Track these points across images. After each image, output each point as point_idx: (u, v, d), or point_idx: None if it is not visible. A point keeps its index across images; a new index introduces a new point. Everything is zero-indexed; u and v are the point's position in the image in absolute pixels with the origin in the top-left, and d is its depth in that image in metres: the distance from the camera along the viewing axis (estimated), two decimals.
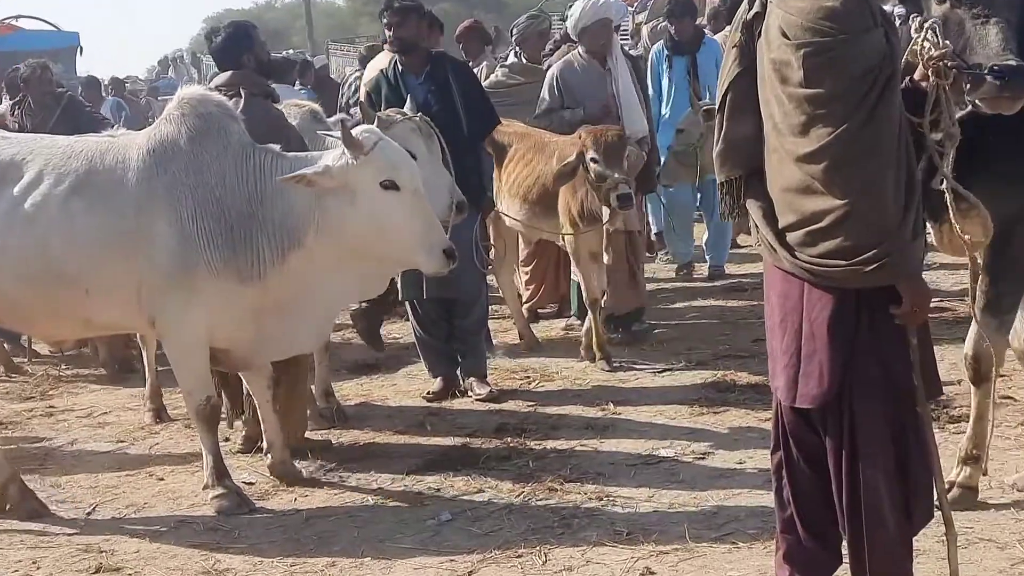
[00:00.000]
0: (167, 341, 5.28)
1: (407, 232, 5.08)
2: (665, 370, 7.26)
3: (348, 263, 5.20)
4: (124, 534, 5.12)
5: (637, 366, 7.38)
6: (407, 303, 7.11)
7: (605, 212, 7.04)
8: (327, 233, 5.10)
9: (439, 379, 7.09)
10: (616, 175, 6.80)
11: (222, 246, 5.09)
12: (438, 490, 5.43)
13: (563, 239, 7.46)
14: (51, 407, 7.47)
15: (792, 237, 3.51)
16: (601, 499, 5.16)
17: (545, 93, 7.83)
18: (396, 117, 6.32)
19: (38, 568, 4.80)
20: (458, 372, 7.10)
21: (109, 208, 5.12)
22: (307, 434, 6.19)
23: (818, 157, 3.39)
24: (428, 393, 7.02)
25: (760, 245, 3.62)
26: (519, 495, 5.27)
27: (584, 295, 7.54)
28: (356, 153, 5.05)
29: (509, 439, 6.06)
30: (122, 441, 6.57)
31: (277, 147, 5.30)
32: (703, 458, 5.61)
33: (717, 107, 3.72)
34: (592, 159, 6.90)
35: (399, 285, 6.97)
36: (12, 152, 5.25)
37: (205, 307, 5.14)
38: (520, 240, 8.32)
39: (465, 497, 5.32)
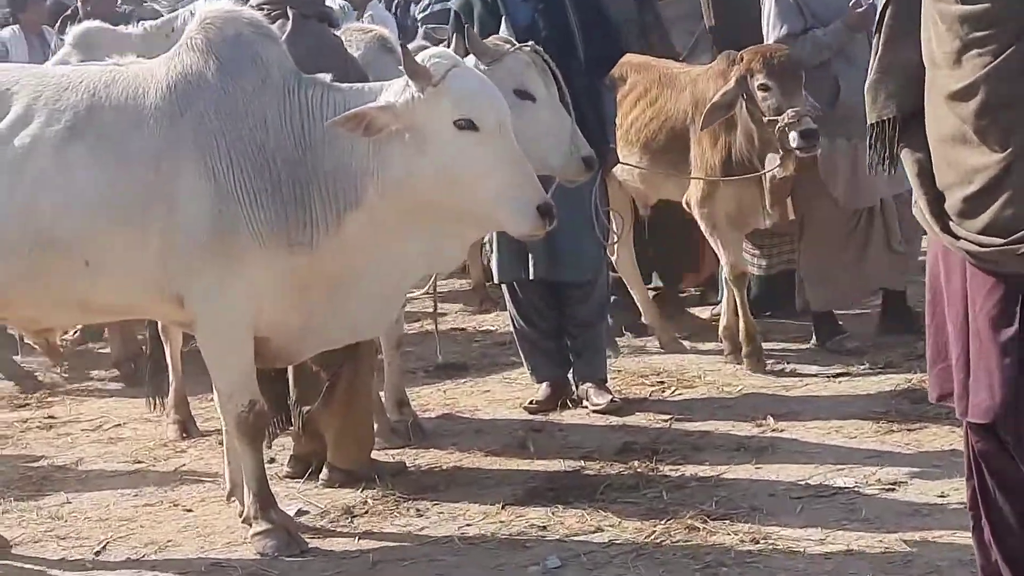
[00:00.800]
0: (202, 328, 5.31)
1: (490, 183, 5.04)
2: (841, 374, 7.22)
3: (417, 225, 5.20)
4: None
5: (804, 370, 7.31)
6: (504, 287, 7.11)
7: (771, 160, 6.99)
8: (391, 188, 5.11)
9: (544, 385, 7.09)
10: (796, 106, 6.75)
11: (268, 204, 5.12)
12: (543, 528, 5.42)
13: (687, 201, 7.47)
14: (50, 417, 7.61)
15: (950, 202, 3.44)
16: (757, 541, 5.11)
17: (774, 14, 7.66)
18: (505, 47, 6.33)
19: None
20: (570, 376, 7.09)
21: (119, 156, 5.14)
22: (374, 454, 6.22)
23: (970, 95, 3.31)
24: (531, 403, 7.03)
25: (917, 210, 3.56)
26: (649, 535, 5.24)
27: (725, 270, 7.52)
28: (423, 84, 5.03)
29: (636, 463, 6.04)
30: (140, 461, 6.66)
31: (327, 77, 5.31)
32: (892, 489, 5.54)
33: (875, 26, 3.65)
34: (762, 85, 6.90)
35: (493, 265, 6.97)
36: None
37: (249, 283, 5.18)
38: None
39: (579, 538, 5.31)
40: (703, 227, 7.53)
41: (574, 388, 7.08)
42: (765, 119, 6.91)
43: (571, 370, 7.12)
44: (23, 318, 5.51)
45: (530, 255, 6.79)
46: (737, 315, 7.51)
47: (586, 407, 6.94)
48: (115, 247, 5.18)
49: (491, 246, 7.02)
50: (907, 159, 3.62)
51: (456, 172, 5.04)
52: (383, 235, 5.21)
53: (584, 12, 6.83)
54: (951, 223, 3.47)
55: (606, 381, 7.07)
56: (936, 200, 3.50)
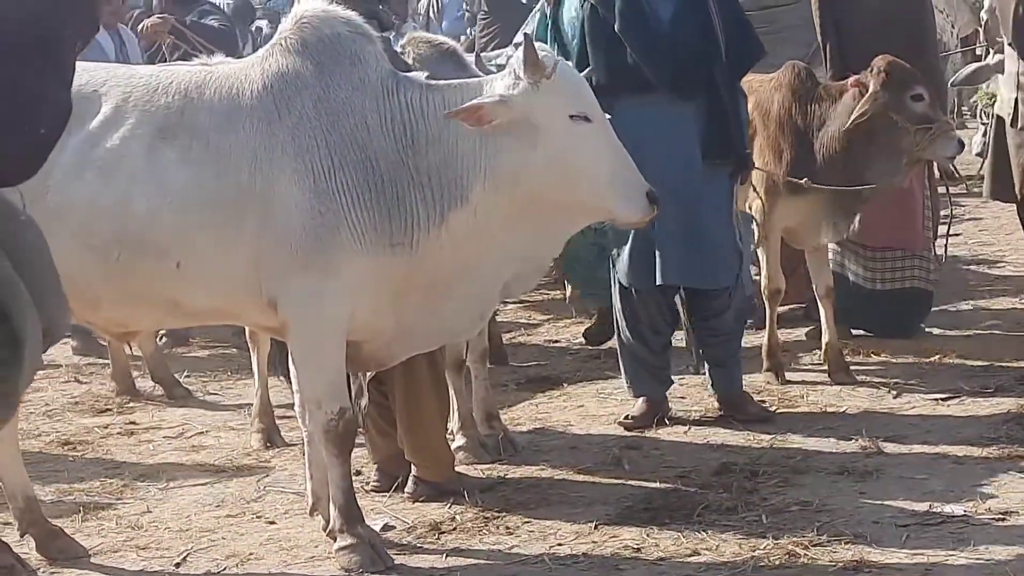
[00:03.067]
0: (295, 333, 5.34)
1: (601, 173, 5.20)
2: (951, 397, 7.15)
3: (519, 221, 5.28)
4: None
5: (913, 390, 7.25)
6: (618, 296, 7.05)
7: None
8: (500, 184, 5.19)
9: (641, 400, 7.08)
10: (944, 115, 7.10)
11: (370, 205, 5.18)
12: (638, 550, 5.40)
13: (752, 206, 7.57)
14: (131, 423, 7.69)
15: None
16: (859, 569, 5.07)
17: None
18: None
19: None
20: (668, 392, 7.10)
21: (213, 157, 5.21)
22: (464, 468, 6.23)
23: None
24: (626, 418, 7.01)
25: None
26: (747, 560, 5.20)
27: (764, 284, 7.67)
28: (538, 77, 5.12)
29: (735, 484, 6.00)
30: (222, 471, 6.70)
31: (423, 75, 5.36)
32: (1004, 518, 5.47)
33: None
34: (916, 96, 7.05)
35: (620, 269, 6.89)
36: (79, 83, 5.33)
37: (345, 286, 5.22)
38: None
39: (675, 560, 5.28)
40: (761, 237, 7.57)
41: (713, 398, 7.13)
42: (912, 128, 6.97)
43: (711, 385, 7.13)
44: (111, 320, 5.56)
45: (659, 260, 6.79)
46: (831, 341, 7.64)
47: (683, 425, 6.92)
48: (208, 249, 5.24)
49: (616, 252, 6.97)
50: None
51: (569, 163, 5.17)
52: (485, 233, 5.27)
53: (725, 9, 6.88)
54: None
55: (744, 390, 7.12)
56: None
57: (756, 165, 7.32)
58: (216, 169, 5.22)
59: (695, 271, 6.85)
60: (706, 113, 6.79)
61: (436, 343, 5.73)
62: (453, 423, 6.68)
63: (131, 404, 8.10)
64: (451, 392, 6.63)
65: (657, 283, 6.85)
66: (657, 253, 6.79)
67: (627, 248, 6.89)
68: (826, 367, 7.68)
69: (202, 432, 7.42)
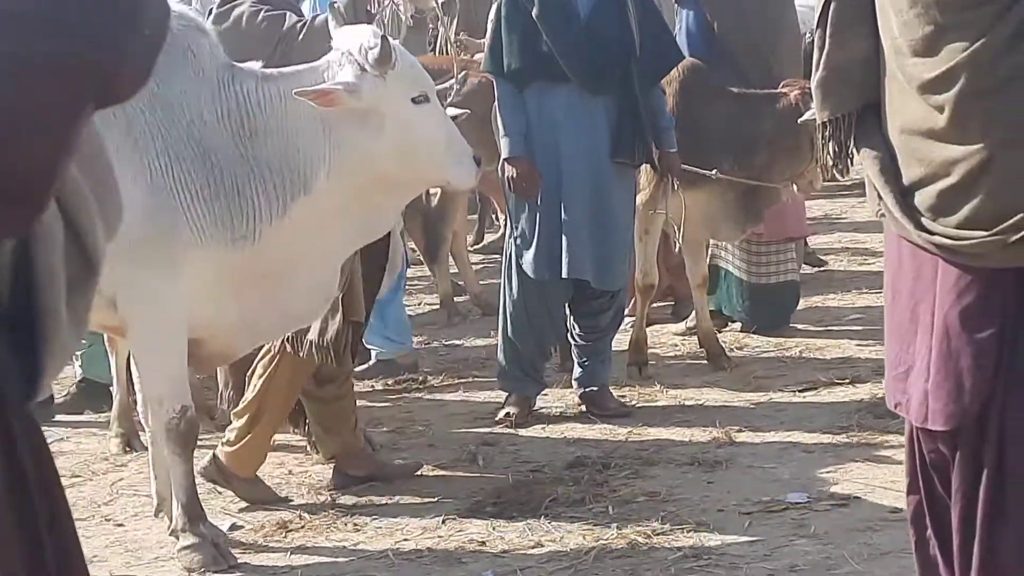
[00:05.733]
0: (134, 331, 5.26)
1: (439, 148, 5.29)
2: (807, 388, 7.15)
3: (359, 202, 5.28)
4: None
5: (772, 383, 7.26)
6: (513, 287, 7.00)
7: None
8: (344, 171, 5.18)
9: (514, 397, 7.00)
10: None
11: (210, 200, 5.11)
12: (482, 543, 5.35)
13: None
14: None
15: (920, 198, 3.34)
16: (699, 557, 5.05)
17: None
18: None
19: None
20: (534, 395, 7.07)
21: None
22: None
23: (947, 83, 3.23)
24: (507, 415, 6.93)
25: (879, 212, 3.47)
26: (589, 551, 5.16)
27: (639, 278, 7.64)
28: (386, 69, 5.13)
29: (586, 477, 5.97)
30: (77, 476, 6.56)
31: (258, 64, 5.33)
32: (844, 505, 5.47)
33: (816, 20, 3.58)
34: None
35: (525, 262, 6.82)
36: None
37: (185, 283, 5.15)
38: None
39: (518, 551, 5.24)
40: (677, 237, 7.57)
41: (577, 397, 7.07)
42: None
43: (576, 379, 7.08)
44: None
45: (566, 253, 6.74)
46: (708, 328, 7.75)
47: (542, 421, 6.88)
48: None
49: (515, 245, 6.89)
50: (866, 157, 3.51)
51: (413, 144, 5.21)
52: (327, 219, 5.24)
53: (644, 10, 6.87)
54: (923, 219, 3.36)
55: (608, 387, 7.07)
56: (903, 196, 3.39)
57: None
58: None
59: (599, 269, 6.79)
60: (617, 111, 6.75)
61: (281, 333, 5.67)
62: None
63: None
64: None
65: (563, 276, 6.79)
66: (564, 245, 6.73)
67: (534, 240, 6.83)
68: (704, 354, 7.74)
69: (62, 439, 7.26)
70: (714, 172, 7.23)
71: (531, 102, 6.75)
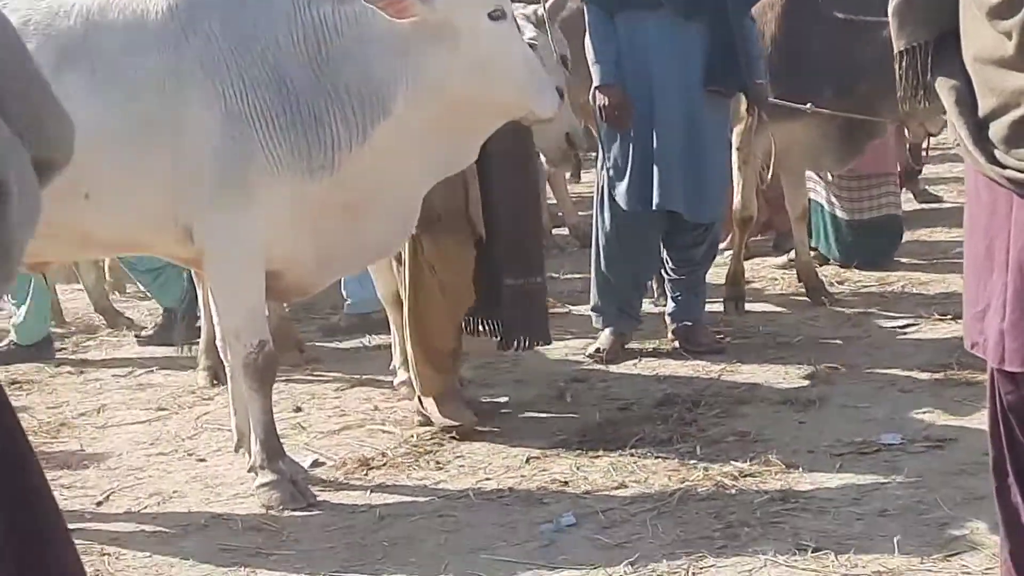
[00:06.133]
0: (211, 264, 5.16)
1: (519, 70, 5.09)
2: (909, 325, 6.94)
3: (440, 128, 5.13)
4: (137, 533, 5.04)
5: (871, 319, 7.06)
6: (606, 220, 6.85)
7: None
8: (423, 92, 5.02)
9: (608, 331, 6.87)
10: None
11: (286, 128, 4.98)
12: (565, 483, 5.21)
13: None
14: (83, 362, 7.51)
15: (994, 129, 3.16)
16: (786, 500, 4.88)
17: None
18: None
19: None
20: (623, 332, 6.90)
21: (118, 84, 4.99)
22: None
23: (1012, 7, 3.03)
24: (596, 351, 6.81)
25: (955, 142, 3.29)
26: (674, 493, 5.01)
27: (737, 210, 7.50)
28: None
29: (675, 416, 5.82)
30: (163, 409, 6.54)
31: None
32: (939, 447, 5.27)
33: None
34: None
35: (619, 193, 6.68)
36: None
37: (262, 214, 5.03)
38: None
39: (601, 492, 5.10)
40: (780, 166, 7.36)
41: (670, 332, 6.92)
42: None
43: (669, 314, 6.95)
44: None
45: (658, 184, 6.58)
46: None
47: (634, 357, 6.73)
48: (117, 179, 5.02)
49: (607, 176, 6.74)
50: (942, 87, 3.35)
51: (491, 63, 5.03)
52: (406, 145, 5.10)
53: None
54: (996, 152, 3.19)
55: (702, 322, 6.94)
56: (978, 128, 3.23)
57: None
58: (122, 96, 4.98)
59: (691, 201, 6.64)
60: (710, 38, 6.55)
61: (361, 265, 5.61)
62: (395, 358, 6.50)
63: (87, 342, 7.94)
64: (392, 328, 6.47)
65: (654, 207, 6.63)
66: (656, 176, 6.57)
67: (627, 170, 6.66)
68: (803, 288, 7.60)
69: (151, 371, 7.25)
70: (808, 106, 6.99)
71: (622, 29, 6.55)
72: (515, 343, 6.06)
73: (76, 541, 4.81)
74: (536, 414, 6.07)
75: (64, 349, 7.82)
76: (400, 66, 5.00)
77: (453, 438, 5.74)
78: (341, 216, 5.17)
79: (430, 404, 5.84)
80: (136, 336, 7.89)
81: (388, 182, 5.18)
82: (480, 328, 6.03)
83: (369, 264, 5.67)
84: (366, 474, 5.46)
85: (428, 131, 5.11)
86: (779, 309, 7.51)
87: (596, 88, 6.59)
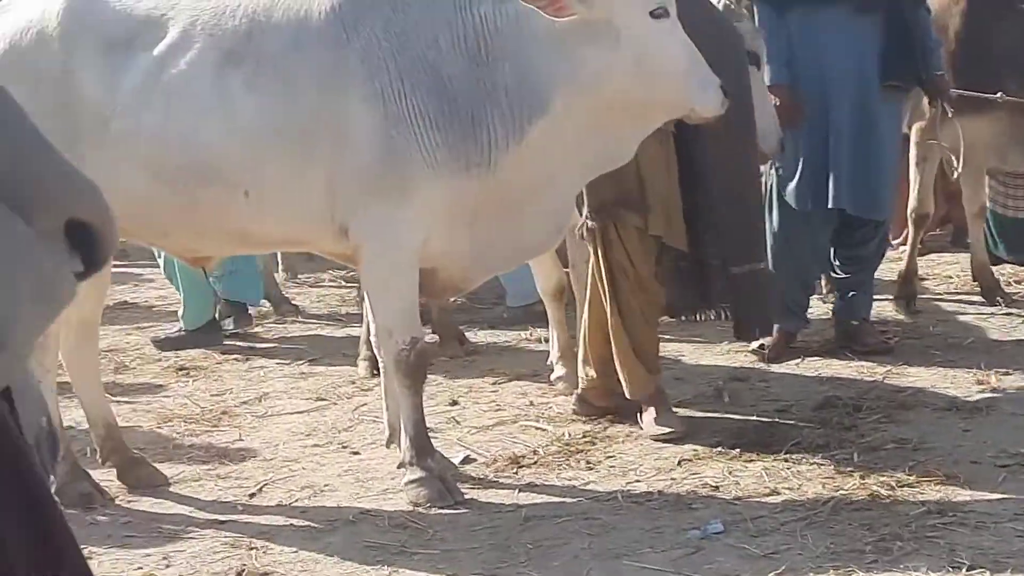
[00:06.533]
0: (367, 260, 5.16)
1: (682, 68, 4.99)
2: None
3: (598, 124, 5.08)
4: (286, 526, 5.05)
5: None
6: (775, 219, 6.71)
7: None
8: (581, 89, 4.98)
9: (776, 330, 6.71)
10: None
11: (444, 127, 4.98)
12: (716, 488, 5.11)
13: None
14: (251, 349, 7.58)
15: None
16: (943, 513, 4.72)
17: None
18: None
19: (168, 566, 4.79)
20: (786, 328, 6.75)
21: (281, 83, 5.02)
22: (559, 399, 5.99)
23: None
24: (760, 347, 6.69)
25: None
26: (827, 502, 4.88)
27: (913, 207, 7.32)
28: None
29: (835, 420, 5.68)
30: (322, 399, 6.56)
31: None
32: None
33: None
34: None
35: (789, 191, 6.57)
36: (148, 6, 5.19)
37: (419, 211, 5.04)
38: None
39: (752, 499, 4.98)
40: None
41: (839, 329, 6.80)
42: None
43: (839, 311, 6.83)
44: (181, 247, 5.44)
45: (832, 183, 6.46)
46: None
47: (797, 356, 6.59)
48: (277, 178, 5.05)
49: (777, 176, 6.62)
50: None
51: (653, 61, 4.96)
52: (563, 143, 5.07)
53: None
54: None
55: (869, 321, 6.79)
56: None
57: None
58: (284, 95, 5.02)
59: (863, 199, 6.50)
60: (886, 30, 6.40)
61: (515, 263, 5.57)
62: (552, 353, 6.44)
63: (255, 329, 8.01)
64: (552, 321, 6.42)
65: (829, 206, 6.49)
66: (831, 175, 6.45)
67: (798, 169, 6.53)
68: (978, 288, 7.43)
69: (314, 359, 7.29)
70: (1000, 95, 6.76)
71: (794, 26, 6.39)
72: (752, 331, 5.97)
73: (226, 533, 4.95)
74: (693, 413, 5.95)
75: (236, 334, 7.89)
76: (559, 65, 4.96)
77: (606, 438, 5.66)
78: (496, 214, 5.14)
79: (647, 416, 5.74)
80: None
81: (544, 180, 5.14)
82: (709, 318, 5.94)
83: (523, 262, 5.61)
84: (516, 472, 5.42)
85: (586, 129, 5.07)
86: (951, 309, 7.31)
87: (767, 88, 6.44)
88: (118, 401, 6.58)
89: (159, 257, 7.86)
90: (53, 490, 2.51)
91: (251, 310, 8.00)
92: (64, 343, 5.42)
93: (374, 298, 5.24)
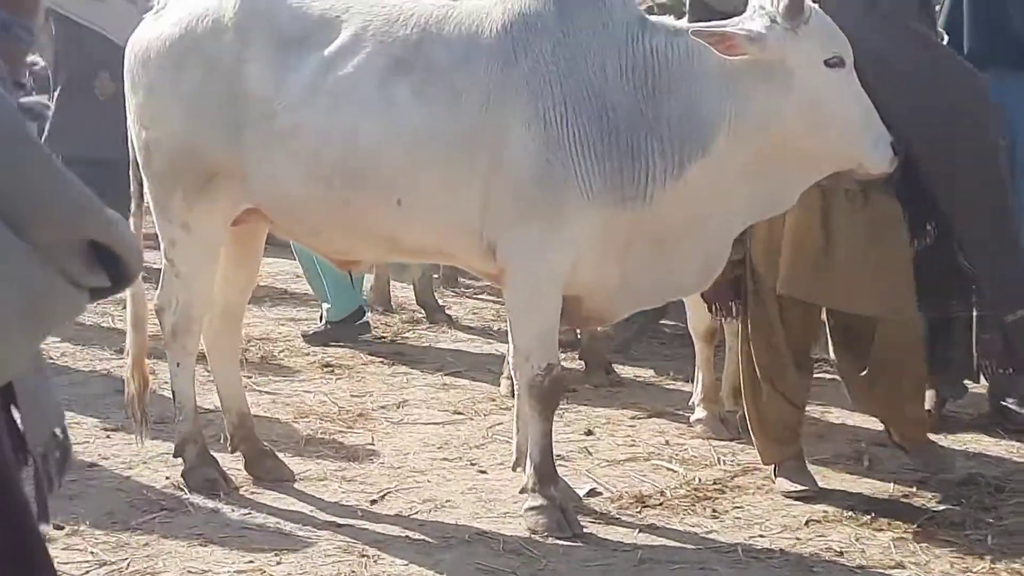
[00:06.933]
0: (511, 282, 5.14)
1: (855, 121, 4.92)
2: None
3: (759, 170, 5.01)
4: (401, 537, 5.02)
5: None
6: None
7: None
8: (746, 132, 4.93)
9: (931, 394, 6.44)
10: None
11: (603, 156, 4.95)
12: (840, 554, 4.95)
13: None
14: (398, 354, 7.58)
15: None
16: None
17: None
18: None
19: (279, 563, 4.79)
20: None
21: (446, 95, 5.02)
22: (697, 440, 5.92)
23: None
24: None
25: None
26: None
27: None
28: (797, 23, 4.85)
29: (974, 498, 5.48)
30: (459, 413, 6.54)
31: (672, 19, 5.10)
32: None
33: None
34: None
35: None
36: (323, 7, 5.22)
37: (569, 238, 5.00)
38: None
39: (875, 569, 4.84)
40: None
41: (992, 404, 6.55)
42: None
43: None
44: (331, 248, 5.45)
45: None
46: None
47: (947, 429, 6.38)
48: (432, 188, 5.05)
49: None
50: None
51: (824, 110, 4.90)
52: (723, 184, 5.01)
53: None
54: None
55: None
56: None
57: None
58: (448, 107, 5.02)
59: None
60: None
61: (661, 299, 5.50)
62: (695, 394, 6.35)
63: (406, 335, 8.02)
64: (699, 361, 6.32)
65: None
66: None
67: None
68: None
69: (459, 371, 7.27)
70: None
71: (1002, 93, 6.09)
72: None
73: (341, 538, 4.94)
74: (830, 473, 5.80)
75: (383, 339, 7.91)
76: (726, 104, 4.92)
77: (736, 488, 5.56)
78: (648, 248, 5.09)
79: (781, 470, 5.63)
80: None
81: (699, 220, 5.08)
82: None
83: (670, 299, 5.53)
84: (639, 511, 5.33)
85: (747, 173, 5.01)
86: None
87: None
88: (259, 391, 6.64)
89: (297, 258, 7.90)
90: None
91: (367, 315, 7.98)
92: (208, 328, 5.47)
93: (515, 320, 5.21)
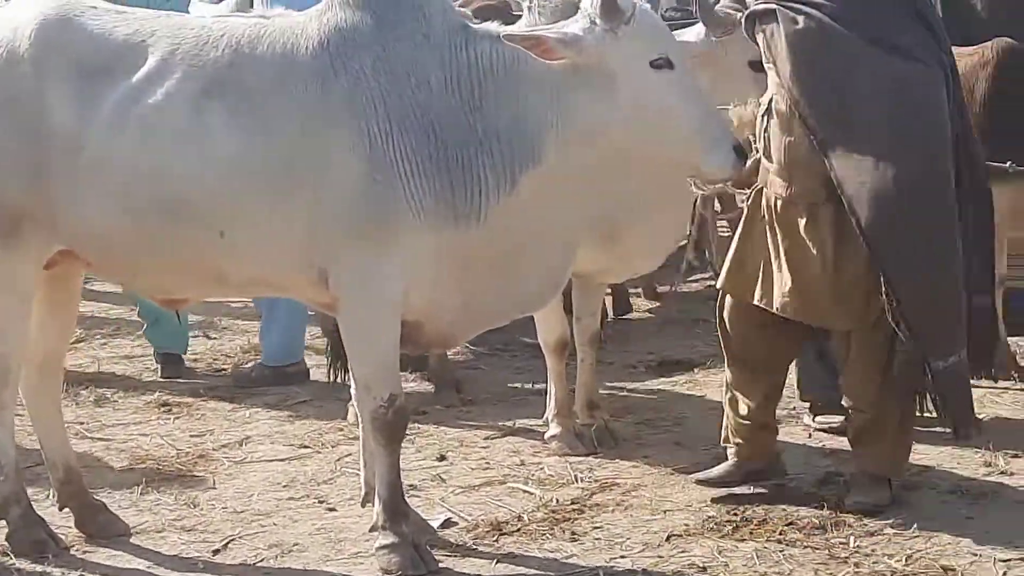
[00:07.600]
0: (345, 310, 4.92)
1: (685, 124, 4.76)
2: None
3: (598, 179, 4.92)
4: None
5: None
6: None
7: None
8: (575, 139, 4.78)
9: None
10: None
11: (432, 173, 4.74)
12: (703, 569, 4.85)
13: None
14: (239, 387, 7.27)
15: None
16: None
17: None
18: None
19: None
20: None
21: (263, 119, 4.78)
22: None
23: None
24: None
25: None
26: None
27: None
28: (616, 24, 4.69)
29: (835, 499, 5.35)
30: (305, 447, 6.29)
31: (495, 26, 4.93)
32: None
33: None
34: None
35: None
36: (126, 32, 4.94)
37: (403, 261, 4.80)
38: None
39: None
40: None
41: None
42: None
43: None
44: (152, 287, 5.18)
45: None
46: None
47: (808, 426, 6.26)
48: (254, 218, 4.81)
49: None
50: None
51: (652, 114, 4.75)
52: (558, 195, 4.87)
53: None
54: None
55: None
56: None
57: None
58: (265, 132, 4.77)
59: None
60: None
61: (505, 318, 5.27)
62: (549, 409, 6.16)
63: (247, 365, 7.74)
64: (551, 374, 6.13)
65: None
66: None
67: None
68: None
69: (305, 401, 7.00)
70: (1009, 165, 6.39)
71: None
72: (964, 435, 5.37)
73: None
74: (687, 482, 5.64)
75: (223, 371, 7.62)
76: (550, 112, 4.76)
77: (595, 506, 5.39)
78: (487, 267, 4.91)
79: None
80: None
81: (538, 232, 4.91)
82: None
83: (516, 317, 5.34)
84: (496, 540, 5.15)
85: (582, 182, 4.85)
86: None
87: None
88: (92, 437, 6.35)
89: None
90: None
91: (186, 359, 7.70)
92: (25, 380, 5.16)
93: (352, 350, 5.00)
